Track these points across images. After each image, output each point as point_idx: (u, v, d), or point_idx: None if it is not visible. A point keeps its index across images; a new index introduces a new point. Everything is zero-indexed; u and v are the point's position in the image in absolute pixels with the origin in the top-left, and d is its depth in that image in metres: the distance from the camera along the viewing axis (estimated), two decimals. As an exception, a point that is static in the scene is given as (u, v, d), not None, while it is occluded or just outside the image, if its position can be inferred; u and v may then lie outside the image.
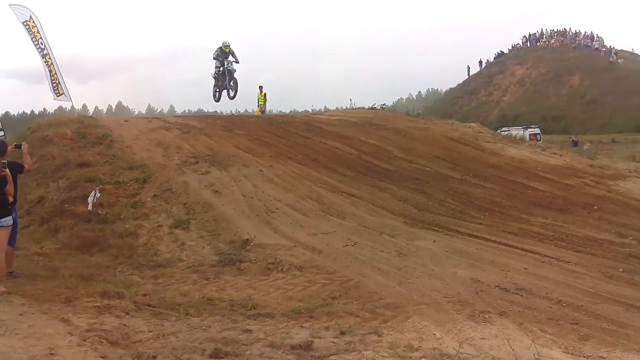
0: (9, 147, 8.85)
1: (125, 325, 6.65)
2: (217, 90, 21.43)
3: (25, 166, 9.01)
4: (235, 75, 21.06)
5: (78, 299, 7.56)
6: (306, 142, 17.70)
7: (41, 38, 19.18)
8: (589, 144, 36.02)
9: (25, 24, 19.15)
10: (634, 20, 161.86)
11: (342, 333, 6.45)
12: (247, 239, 10.62)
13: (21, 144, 9.29)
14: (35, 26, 19.19)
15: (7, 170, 8.05)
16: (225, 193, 13.00)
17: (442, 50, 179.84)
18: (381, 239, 10.58)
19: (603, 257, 9.49)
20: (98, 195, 12.23)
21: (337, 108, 33.87)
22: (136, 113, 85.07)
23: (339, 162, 15.68)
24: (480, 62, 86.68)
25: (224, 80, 21.16)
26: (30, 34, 19.19)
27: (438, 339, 6.33)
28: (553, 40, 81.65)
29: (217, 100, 21.74)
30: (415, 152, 16.87)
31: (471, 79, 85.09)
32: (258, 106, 28.51)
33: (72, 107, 21.08)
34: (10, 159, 8.50)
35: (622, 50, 76.22)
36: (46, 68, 19.42)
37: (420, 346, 6.02)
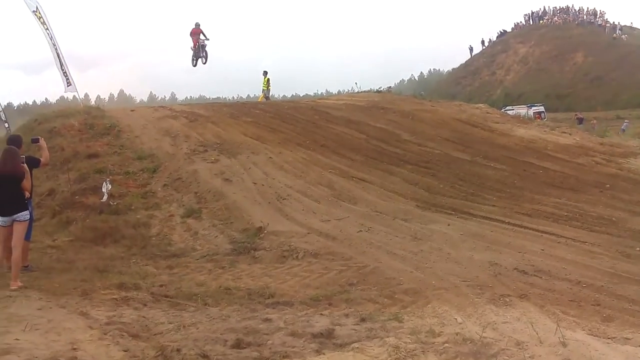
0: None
1: (144, 317, 6.62)
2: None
3: (42, 160, 8.86)
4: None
5: (95, 291, 7.53)
6: (314, 128, 17.62)
7: (48, 29, 19.08)
8: (595, 121, 35.77)
9: (34, 13, 19.04)
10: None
11: (363, 320, 6.41)
12: (260, 227, 10.58)
13: (38, 138, 9.14)
14: (42, 17, 19.08)
15: (25, 165, 8.04)
16: (236, 181, 12.96)
17: (442, 30, 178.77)
18: (395, 223, 10.52)
19: (619, 236, 9.43)
20: (109, 186, 12.18)
21: (338, 92, 33.76)
22: (138, 101, 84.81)
23: (348, 146, 15.60)
24: (483, 42, 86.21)
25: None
26: (39, 24, 19.10)
27: (460, 323, 6.25)
28: (556, 18, 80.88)
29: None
30: (424, 135, 16.76)
31: (474, 58, 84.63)
32: (262, 92, 28.45)
33: (74, 97, 20.94)
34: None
35: (624, 25, 75.62)
36: (57, 59, 19.34)
37: (442, 331, 5.95)
